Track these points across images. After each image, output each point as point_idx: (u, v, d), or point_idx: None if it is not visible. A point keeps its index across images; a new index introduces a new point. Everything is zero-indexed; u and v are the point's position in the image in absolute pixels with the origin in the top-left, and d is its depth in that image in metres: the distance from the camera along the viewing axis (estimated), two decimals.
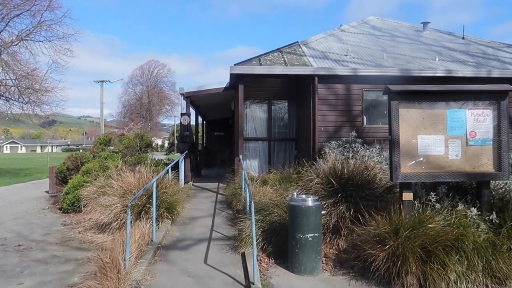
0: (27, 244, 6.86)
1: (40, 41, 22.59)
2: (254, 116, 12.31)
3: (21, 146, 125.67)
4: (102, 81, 40.92)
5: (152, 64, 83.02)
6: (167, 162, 16.41)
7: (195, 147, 12.34)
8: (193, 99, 13.15)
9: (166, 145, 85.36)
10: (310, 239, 4.95)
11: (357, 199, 5.80)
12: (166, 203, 7.69)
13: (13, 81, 21.70)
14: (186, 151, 11.85)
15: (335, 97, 10.39)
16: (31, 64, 21.39)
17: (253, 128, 11.92)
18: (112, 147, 13.42)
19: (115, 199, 7.52)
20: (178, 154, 12.00)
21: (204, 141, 21.81)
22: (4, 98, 22.18)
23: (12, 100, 22.42)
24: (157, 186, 6.86)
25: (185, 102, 11.96)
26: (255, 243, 4.68)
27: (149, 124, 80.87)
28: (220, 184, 12.49)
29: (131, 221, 5.22)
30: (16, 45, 21.98)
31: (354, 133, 9.62)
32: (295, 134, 12.36)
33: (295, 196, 5.24)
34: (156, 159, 15.09)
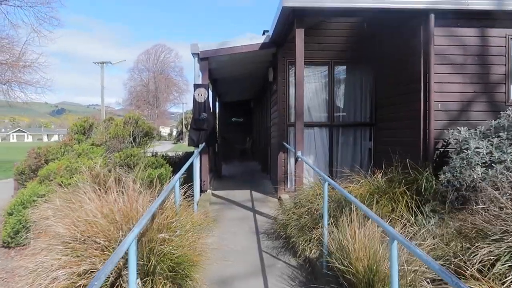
0: None
1: (19, 6, 18.42)
2: (304, 90, 7.94)
3: (27, 135, 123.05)
4: (103, 63, 36.86)
5: (159, 49, 78.58)
6: (174, 158, 12.18)
7: (215, 136, 8.04)
8: (212, 66, 8.84)
9: (174, 133, 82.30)
10: None
11: None
12: (169, 262, 3.49)
13: None
14: (204, 143, 7.61)
15: (462, 51, 6.01)
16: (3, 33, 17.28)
17: (303, 108, 7.53)
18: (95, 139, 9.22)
19: (58, 260, 3.37)
20: (189, 145, 7.59)
21: (220, 129, 17.53)
22: None
23: None
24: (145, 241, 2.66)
25: (199, 66, 7.66)
26: None
27: (156, 111, 76.90)
28: (253, 192, 8.25)
29: None
30: None
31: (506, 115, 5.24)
32: (371, 117, 8.00)
33: None
34: (159, 153, 10.87)
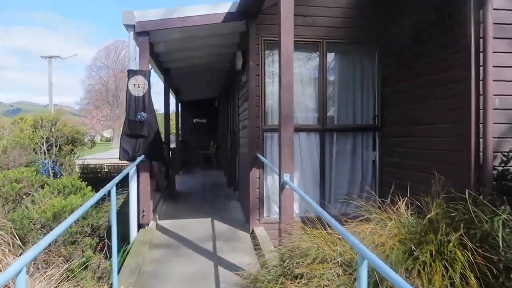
0: None
1: None
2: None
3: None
4: (51, 57, 33.16)
5: (119, 45, 73.91)
6: (112, 171, 9.61)
7: (160, 146, 5.63)
8: (159, 48, 6.45)
9: None
10: None
11: None
12: None
13: None
14: (143, 156, 5.23)
15: None
16: None
17: (293, 105, 5.19)
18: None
19: None
20: (121, 159, 5.10)
21: (179, 132, 15.03)
22: None
23: None
24: None
25: (135, 44, 5.27)
26: None
27: (117, 112, 72.52)
28: (217, 222, 5.97)
29: None
30: None
31: None
32: (376, 118, 5.91)
33: None
34: (93, 165, 8.34)
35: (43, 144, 6.30)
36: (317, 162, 5.75)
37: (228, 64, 8.42)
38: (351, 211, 5.44)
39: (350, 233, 2.50)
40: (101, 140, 66.14)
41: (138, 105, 5.28)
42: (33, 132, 6.26)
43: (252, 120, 5.47)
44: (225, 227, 5.74)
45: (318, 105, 5.71)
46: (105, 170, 10.50)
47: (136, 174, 5.33)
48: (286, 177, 3.59)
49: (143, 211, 5.32)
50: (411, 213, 3.74)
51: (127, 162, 5.40)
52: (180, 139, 14.54)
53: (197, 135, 15.86)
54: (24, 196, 4.36)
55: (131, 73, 5.26)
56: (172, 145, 10.77)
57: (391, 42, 5.54)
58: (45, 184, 4.99)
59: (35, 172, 5.87)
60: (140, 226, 5.34)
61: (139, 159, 5.17)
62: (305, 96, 5.72)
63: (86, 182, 5.78)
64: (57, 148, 6.57)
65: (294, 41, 3.71)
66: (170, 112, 11.00)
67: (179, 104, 14.31)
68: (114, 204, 3.43)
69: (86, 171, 8.84)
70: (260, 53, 5.47)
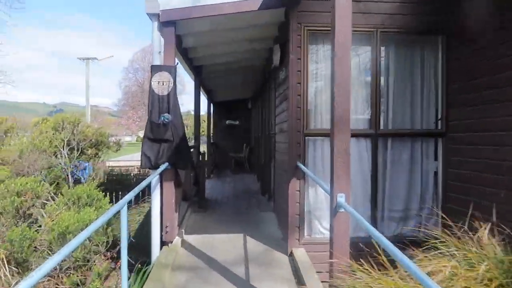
0: None
1: None
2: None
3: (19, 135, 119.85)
4: (88, 58, 33.80)
5: (150, 49, 75.32)
6: (141, 176, 9.08)
7: (187, 153, 4.94)
8: (188, 41, 5.82)
9: None
10: None
11: None
12: None
13: None
14: (167, 164, 4.58)
15: None
16: None
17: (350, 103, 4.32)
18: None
19: None
20: (143, 167, 4.46)
21: (211, 134, 14.46)
22: None
23: None
24: None
25: (160, 36, 4.64)
26: None
27: None
28: (249, 238, 5.24)
29: None
30: None
31: None
32: (440, 122, 4.97)
33: None
34: (119, 168, 7.85)
35: (63, 148, 5.81)
36: (368, 172, 4.88)
37: (264, 62, 7.70)
38: (409, 232, 4.59)
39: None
40: (136, 141, 67.38)
41: (162, 105, 4.63)
42: (53, 134, 5.80)
43: (292, 123, 4.69)
44: (259, 246, 4.99)
45: (370, 106, 4.85)
46: (135, 172, 10.07)
47: (159, 183, 4.70)
48: (340, 198, 2.79)
49: (166, 226, 4.67)
50: (499, 244, 2.87)
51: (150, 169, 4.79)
52: (211, 141, 13.98)
53: (229, 138, 15.24)
54: (26, 211, 3.81)
55: (155, 69, 4.62)
56: (203, 148, 10.16)
57: (462, 30, 4.59)
58: (60, 194, 4.44)
59: (41, 181, 5.39)
60: (163, 243, 4.70)
61: (162, 167, 4.53)
62: (355, 96, 4.87)
63: (112, 188, 5.21)
64: (79, 152, 6.07)
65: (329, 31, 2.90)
66: (202, 113, 10.42)
67: (211, 104, 13.74)
68: (124, 228, 2.76)
69: (113, 174, 8.37)
70: (302, 45, 4.68)
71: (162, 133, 4.60)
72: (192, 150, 7.16)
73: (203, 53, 6.87)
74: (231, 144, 15.08)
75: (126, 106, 70.83)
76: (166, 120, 4.59)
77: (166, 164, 4.57)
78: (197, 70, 7.83)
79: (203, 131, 14.66)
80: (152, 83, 4.62)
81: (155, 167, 4.59)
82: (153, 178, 4.47)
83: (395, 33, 4.83)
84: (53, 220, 3.75)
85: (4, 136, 6.09)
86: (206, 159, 8.08)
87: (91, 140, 6.52)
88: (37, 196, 3.98)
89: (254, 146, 12.88)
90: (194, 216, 6.57)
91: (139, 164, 4.79)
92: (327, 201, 4.30)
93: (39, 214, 3.90)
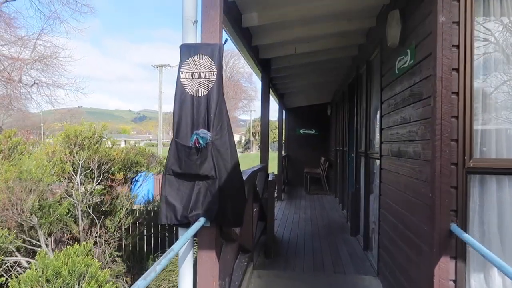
0: None
1: None
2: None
3: (106, 141, 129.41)
4: (161, 66, 33.96)
5: (228, 54, 75.77)
6: None
7: (240, 192, 2.77)
8: (247, 12, 3.81)
9: (242, 141, 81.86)
10: None
11: None
12: None
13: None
14: (203, 220, 2.53)
15: None
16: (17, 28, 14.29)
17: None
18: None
19: None
20: (161, 222, 2.31)
21: (283, 145, 12.33)
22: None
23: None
24: None
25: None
26: None
27: None
28: None
29: None
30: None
31: None
32: None
33: None
34: None
35: (76, 172, 4.10)
36: None
37: (355, 50, 5.43)
38: None
39: None
40: None
41: (198, 114, 2.61)
42: (65, 155, 4.16)
43: (437, 145, 2.40)
44: None
45: None
46: None
47: (191, 250, 2.69)
48: None
49: None
50: None
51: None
52: (283, 153, 11.87)
53: (303, 150, 13.03)
54: None
55: (186, 50, 2.64)
56: (272, 167, 8.07)
57: None
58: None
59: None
60: None
61: (197, 225, 2.50)
62: None
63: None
64: (100, 178, 4.34)
65: None
66: (272, 119, 8.35)
67: (283, 111, 11.66)
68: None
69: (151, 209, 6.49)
70: None
71: (197, 165, 2.57)
72: (258, 174, 5.12)
73: (271, 39, 4.81)
74: (306, 157, 12.87)
75: None
76: (204, 141, 2.55)
77: (203, 219, 2.54)
78: (264, 65, 5.80)
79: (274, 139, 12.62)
80: (180, 75, 2.64)
81: (184, 222, 2.58)
82: (182, 246, 2.43)
83: None
84: None
85: (10, 153, 4.52)
86: (274, 186, 5.97)
87: (123, 160, 4.78)
88: None
89: (334, 161, 10.52)
90: (257, 280, 4.46)
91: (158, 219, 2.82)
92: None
93: None
